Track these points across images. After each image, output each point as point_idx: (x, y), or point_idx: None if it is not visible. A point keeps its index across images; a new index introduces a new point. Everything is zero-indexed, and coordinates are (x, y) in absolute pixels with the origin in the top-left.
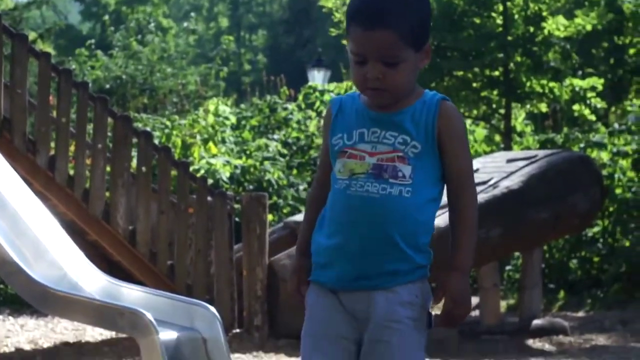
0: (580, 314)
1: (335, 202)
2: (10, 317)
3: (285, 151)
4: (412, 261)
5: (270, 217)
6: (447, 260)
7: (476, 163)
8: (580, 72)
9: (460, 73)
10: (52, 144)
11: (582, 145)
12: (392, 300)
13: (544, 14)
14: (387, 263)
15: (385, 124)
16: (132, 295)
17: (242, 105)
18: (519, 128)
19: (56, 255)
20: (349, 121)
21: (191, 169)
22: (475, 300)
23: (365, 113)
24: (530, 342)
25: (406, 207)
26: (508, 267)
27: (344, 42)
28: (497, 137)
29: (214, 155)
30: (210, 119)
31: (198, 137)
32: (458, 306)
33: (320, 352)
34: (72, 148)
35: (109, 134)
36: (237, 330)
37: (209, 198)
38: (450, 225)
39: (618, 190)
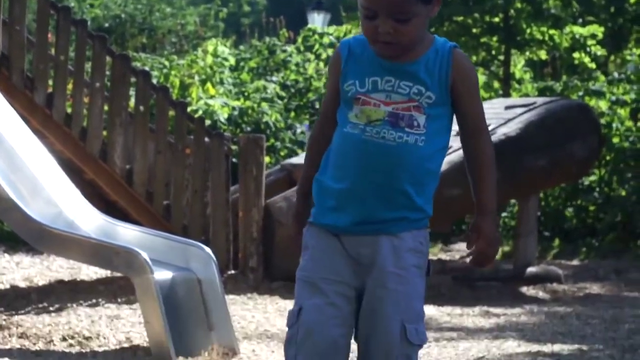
0: (575, 262)
1: (347, 147)
2: (6, 254)
3: (283, 93)
4: (421, 210)
5: (267, 159)
6: (474, 204)
7: None
8: (580, 20)
9: (460, 18)
10: (50, 82)
11: (580, 93)
12: (398, 247)
13: None
14: (395, 210)
15: (400, 74)
16: (128, 234)
17: (241, 47)
18: (518, 75)
19: (53, 193)
20: (360, 67)
21: (189, 109)
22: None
23: (378, 61)
24: (524, 289)
25: (420, 156)
26: (504, 214)
27: None
28: (496, 84)
29: (212, 96)
30: (209, 59)
31: (196, 77)
32: (492, 247)
33: (320, 295)
34: (70, 86)
35: (107, 72)
36: (232, 272)
37: (207, 139)
38: (470, 169)
39: (615, 140)
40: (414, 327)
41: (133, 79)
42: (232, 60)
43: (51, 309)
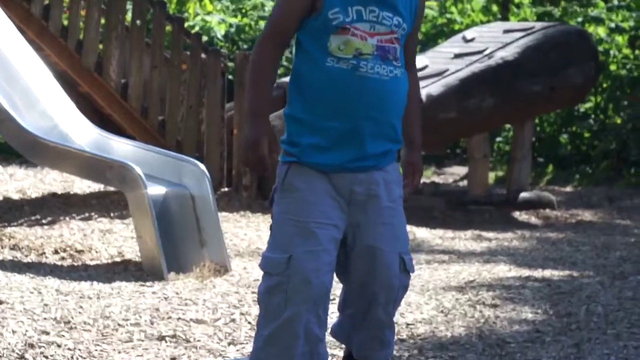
0: (568, 188)
1: (338, 83)
2: None
3: None
4: (399, 141)
5: None
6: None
7: (472, 32)
8: None
9: None
10: None
11: (579, 19)
12: (387, 180)
13: None
14: (385, 144)
15: (381, 3)
16: (122, 148)
17: None
18: None
19: (47, 106)
20: None
21: (186, 25)
22: (464, 170)
23: None
24: (516, 214)
25: (404, 89)
26: (498, 139)
27: None
28: (495, 8)
29: (209, 13)
30: None
31: None
32: (420, 176)
33: (314, 241)
34: None
35: None
36: (226, 189)
37: (203, 55)
38: None
39: (613, 67)
40: (409, 257)
41: None
42: None
43: (44, 221)
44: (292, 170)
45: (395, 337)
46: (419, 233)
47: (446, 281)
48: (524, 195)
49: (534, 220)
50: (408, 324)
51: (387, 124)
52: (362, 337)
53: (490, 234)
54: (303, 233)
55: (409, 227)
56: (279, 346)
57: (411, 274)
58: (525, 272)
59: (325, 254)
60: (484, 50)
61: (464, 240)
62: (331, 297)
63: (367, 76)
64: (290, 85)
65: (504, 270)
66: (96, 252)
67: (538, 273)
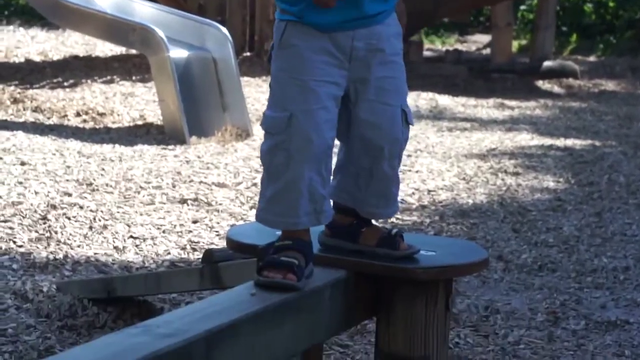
0: (592, 58)
1: None
2: (21, 28)
3: None
4: None
5: None
6: None
7: None
8: None
9: None
10: None
11: None
12: (389, 33)
13: None
14: (382, 5)
15: None
16: (144, 11)
17: None
18: None
19: None
20: None
21: None
22: (487, 38)
23: None
24: (539, 83)
25: None
26: (522, 7)
27: None
28: None
29: None
30: None
31: None
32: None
33: (313, 98)
34: None
35: None
36: (248, 54)
37: None
38: None
39: None
40: (409, 109)
41: None
42: None
43: (65, 84)
44: (290, 27)
45: (417, 204)
46: (441, 100)
47: (468, 149)
48: (547, 64)
49: (556, 89)
50: (430, 191)
51: None
52: (367, 195)
53: (513, 103)
54: (302, 91)
55: (431, 95)
56: (283, 205)
57: (411, 126)
58: (548, 141)
59: (323, 111)
60: None
61: (486, 108)
62: None
63: None
64: None
65: (526, 139)
66: (118, 115)
67: (560, 142)
